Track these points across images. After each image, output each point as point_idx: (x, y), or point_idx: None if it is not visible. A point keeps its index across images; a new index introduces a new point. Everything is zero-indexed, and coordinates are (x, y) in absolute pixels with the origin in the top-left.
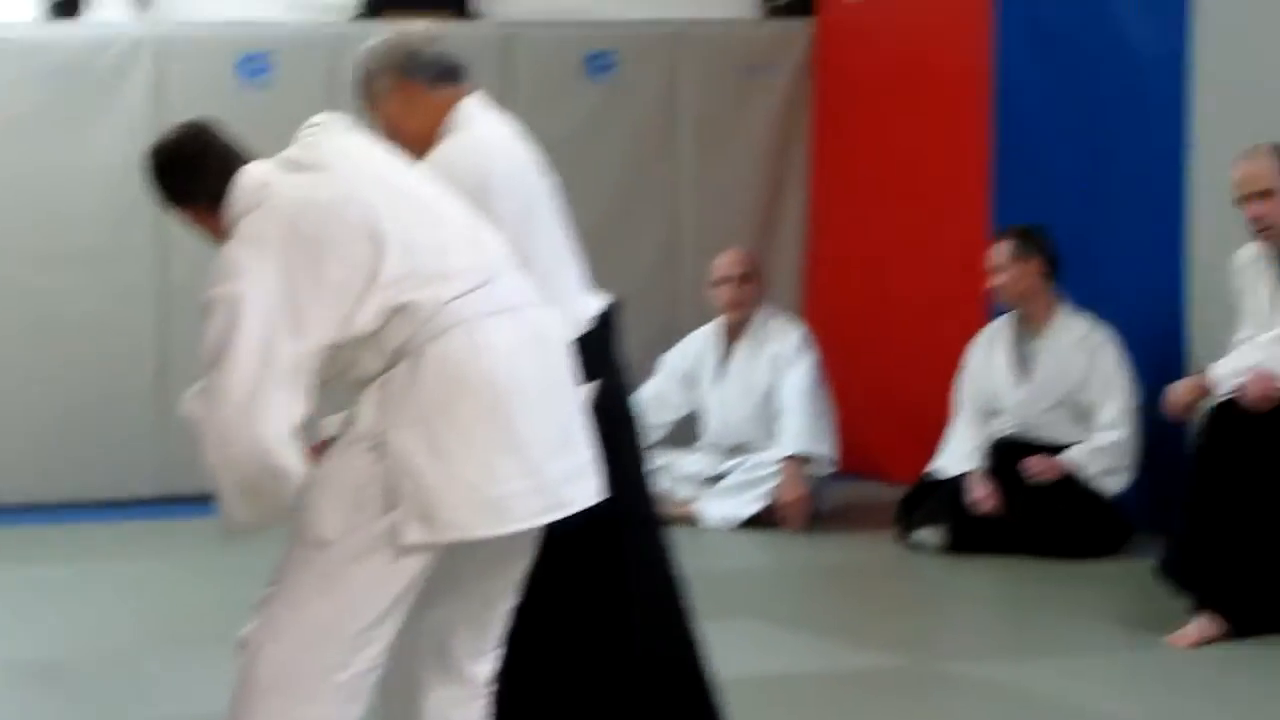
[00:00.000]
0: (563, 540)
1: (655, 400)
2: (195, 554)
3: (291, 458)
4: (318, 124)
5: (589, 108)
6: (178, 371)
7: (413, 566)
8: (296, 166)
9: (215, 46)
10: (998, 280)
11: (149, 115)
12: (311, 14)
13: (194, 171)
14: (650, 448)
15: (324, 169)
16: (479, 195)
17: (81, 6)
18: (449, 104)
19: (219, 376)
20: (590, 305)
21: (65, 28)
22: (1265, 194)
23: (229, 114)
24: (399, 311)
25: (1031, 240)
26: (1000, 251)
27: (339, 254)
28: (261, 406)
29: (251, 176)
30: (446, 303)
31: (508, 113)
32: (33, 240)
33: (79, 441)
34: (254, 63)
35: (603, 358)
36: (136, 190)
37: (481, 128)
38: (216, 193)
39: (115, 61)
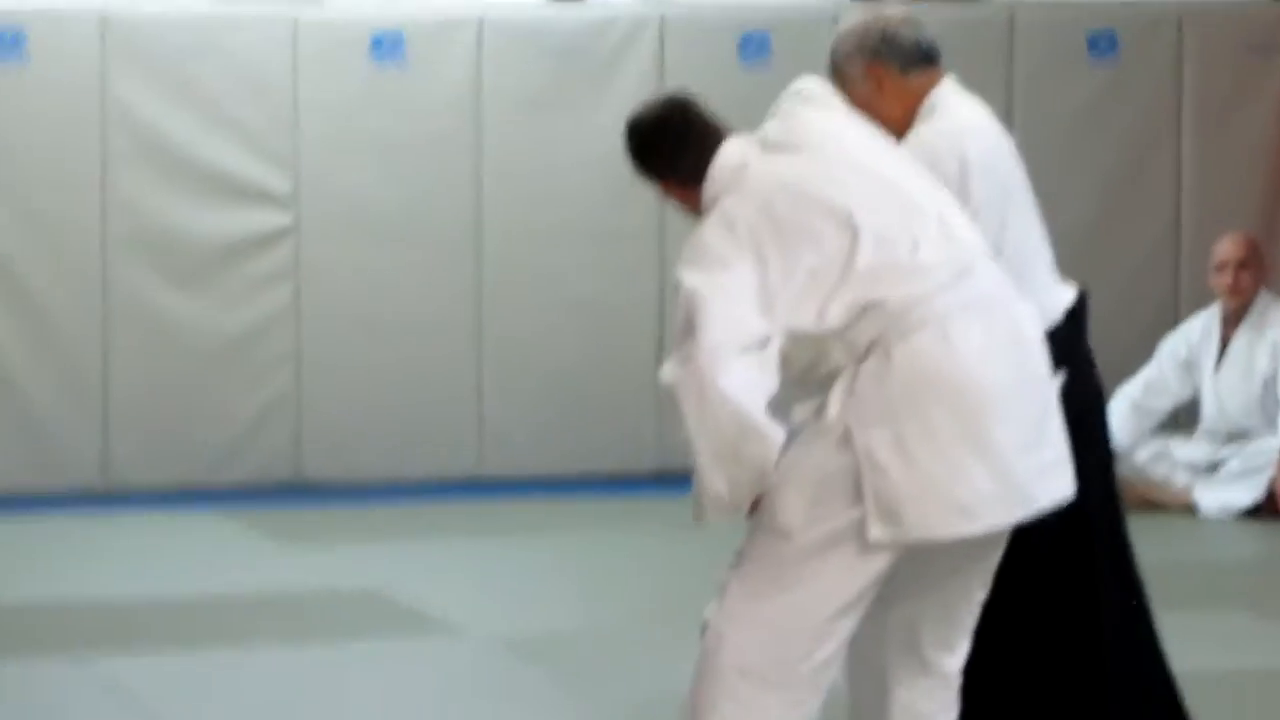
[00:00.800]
0: (1033, 534)
1: (1153, 386)
2: (689, 531)
3: (767, 421)
4: (801, 92)
5: (1091, 88)
6: None
7: (876, 564)
8: (776, 147)
9: (717, 27)
10: None
11: (646, 94)
12: None
13: (675, 146)
14: (1111, 442)
15: (803, 150)
16: (955, 181)
17: None
18: (924, 89)
19: (691, 343)
20: (1062, 297)
21: (568, 9)
22: None
23: (729, 95)
24: (870, 308)
25: None
26: None
27: (812, 241)
28: (732, 367)
29: (730, 156)
30: (919, 299)
31: (1008, 94)
32: (535, 219)
33: (580, 417)
34: (755, 43)
35: (1071, 352)
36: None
37: (958, 112)
38: (696, 169)
39: (617, 42)
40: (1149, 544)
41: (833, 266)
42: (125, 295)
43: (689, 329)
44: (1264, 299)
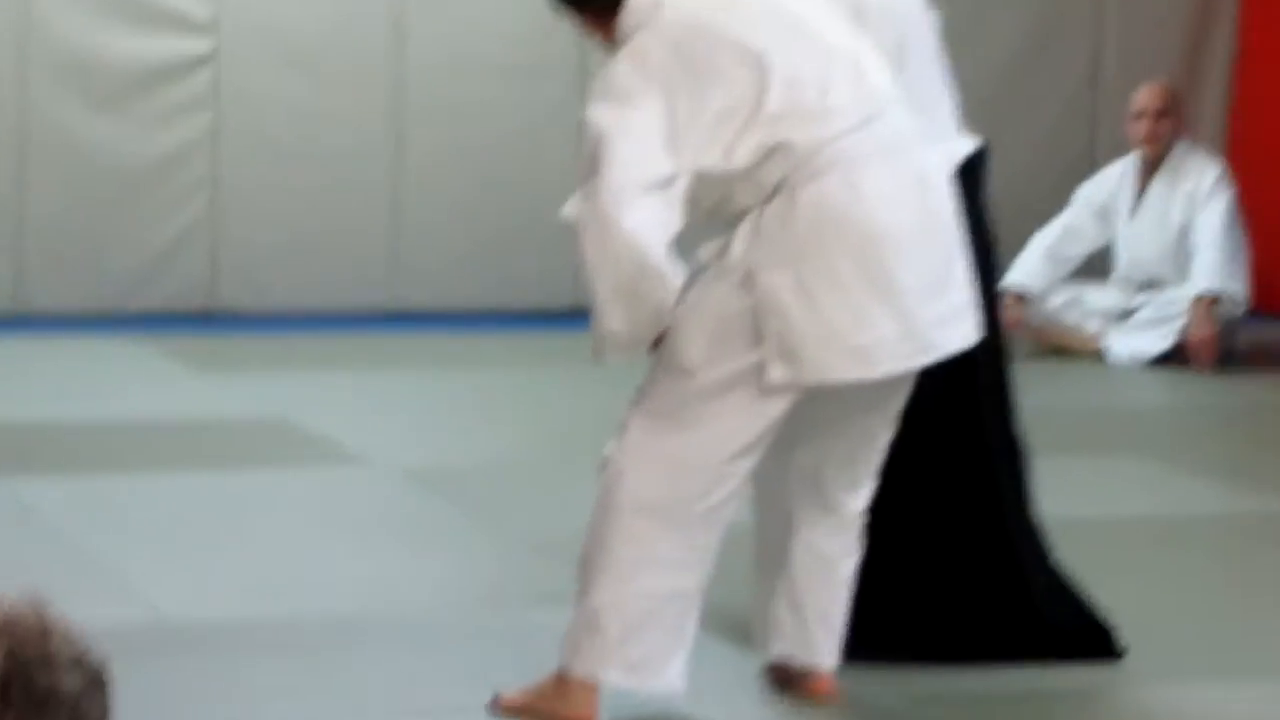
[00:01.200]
0: (928, 382)
1: (1068, 232)
2: (601, 368)
3: (667, 261)
4: None
5: None
6: None
7: (775, 405)
8: None
9: None
10: None
11: None
12: None
13: None
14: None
15: None
16: (853, 24)
17: None
18: None
19: (595, 179)
20: (962, 147)
21: None
22: None
23: None
24: (777, 149)
25: None
26: None
27: (722, 82)
28: (636, 205)
29: None
30: (825, 142)
31: None
32: (456, 49)
33: (497, 251)
34: None
35: (967, 204)
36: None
37: None
38: (610, 4)
39: None
40: (1059, 389)
41: (741, 107)
42: (42, 119)
43: (594, 166)
44: (1181, 149)
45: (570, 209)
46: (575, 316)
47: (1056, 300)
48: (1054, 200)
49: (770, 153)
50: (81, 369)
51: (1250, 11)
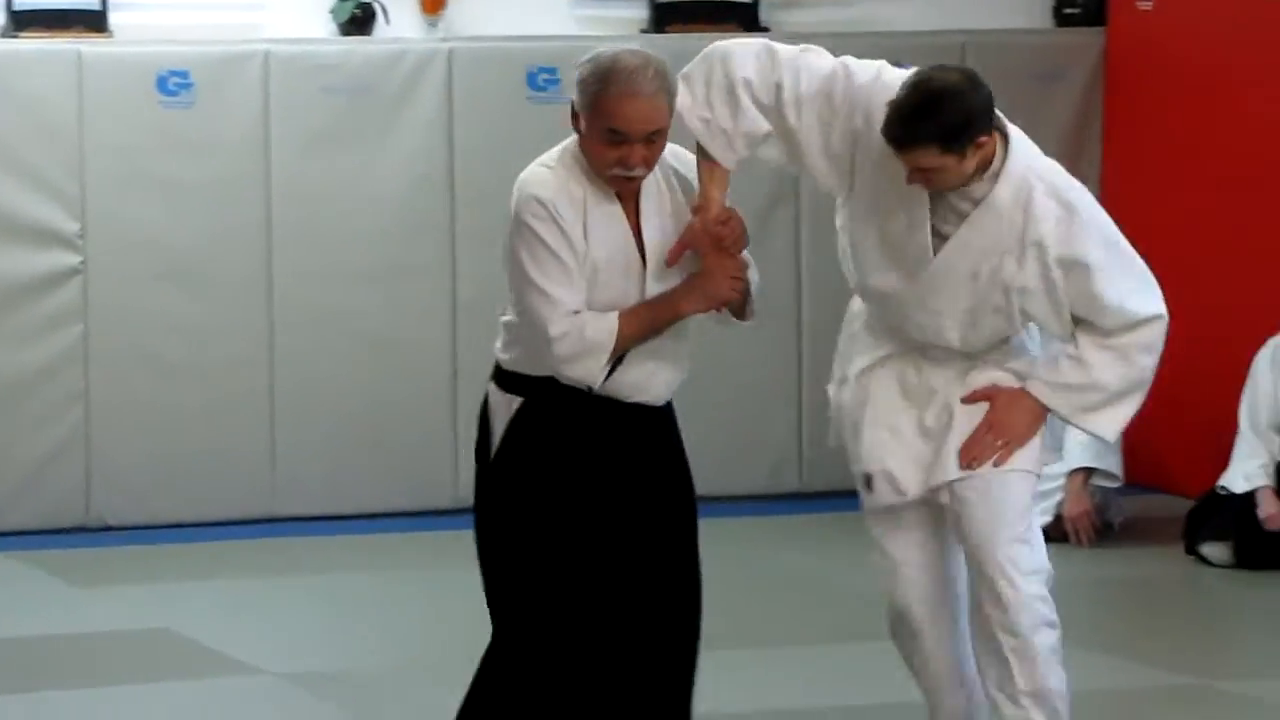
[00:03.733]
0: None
1: None
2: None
3: None
4: None
5: None
6: (473, 383)
7: None
8: None
9: (505, 60)
10: None
11: (441, 130)
12: (600, 29)
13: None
14: None
15: None
16: None
17: (373, 23)
18: None
19: None
20: None
21: (355, 43)
22: None
23: (519, 127)
24: None
25: None
26: None
27: None
28: None
29: None
30: None
31: None
32: (326, 258)
33: (375, 455)
34: (543, 77)
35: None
36: (428, 206)
37: None
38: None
39: (406, 77)
40: None
41: None
42: None
43: None
44: None
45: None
46: (455, 514)
47: None
48: None
49: None
50: None
51: (1113, 190)
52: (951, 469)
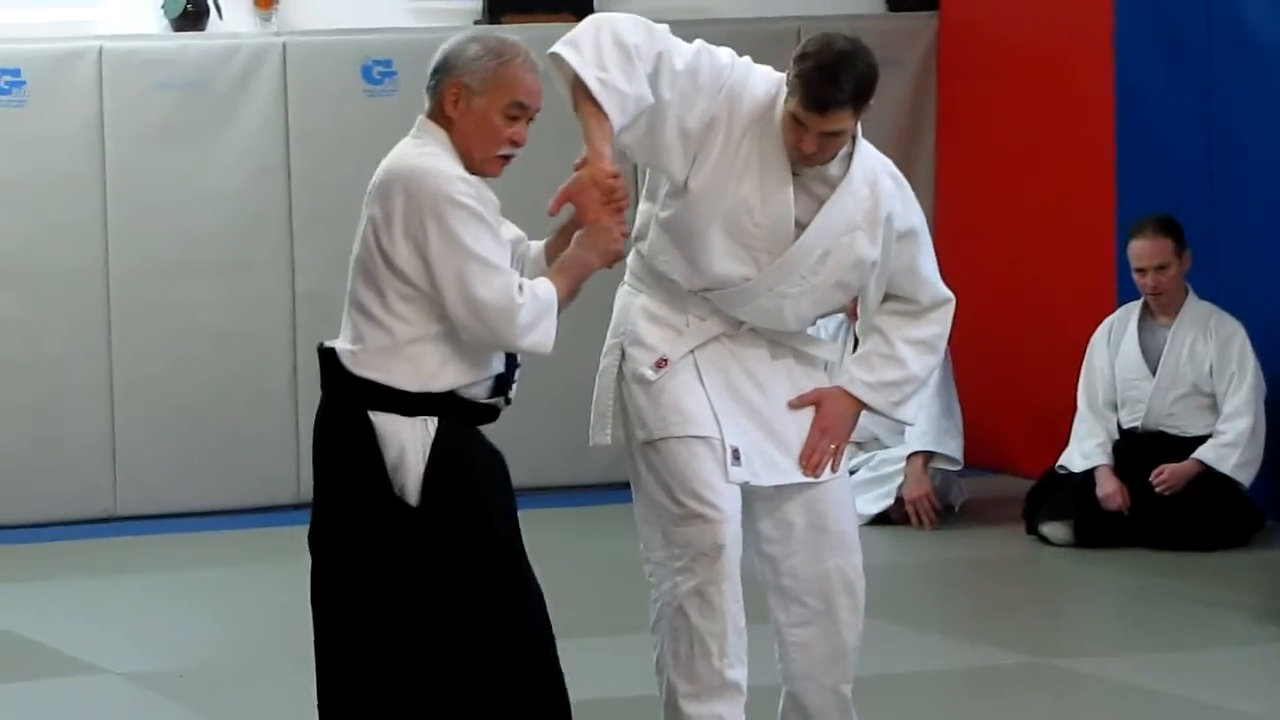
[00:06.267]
0: None
1: None
2: None
3: None
4: None
5: None
6: (314, 376)
7: None
8: None
9: (340, 53)
10: (1153, 279)
11: (277, 124)
12: (434, 20)
13: None
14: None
15: None
16: None
17: (206, 18)
18: None
19: None
20: None
21: (189, 38)
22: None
23: (354, 121)
24: None
25: (1179, 233)
26: (1154, 249)
27: None
28: None
29: None
30: None
31: None
32: (164, 253)
33: (217, 451)
34: (379, 69)
35: None
36: (265, 199)
37: None
38: None
39: (240, 71)
40: None
41: None
42: None
43: None
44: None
45: None
46: (298, 510)
47: None
48: None
49: None
50: None
51: (946, 175)
52: (797, 472)
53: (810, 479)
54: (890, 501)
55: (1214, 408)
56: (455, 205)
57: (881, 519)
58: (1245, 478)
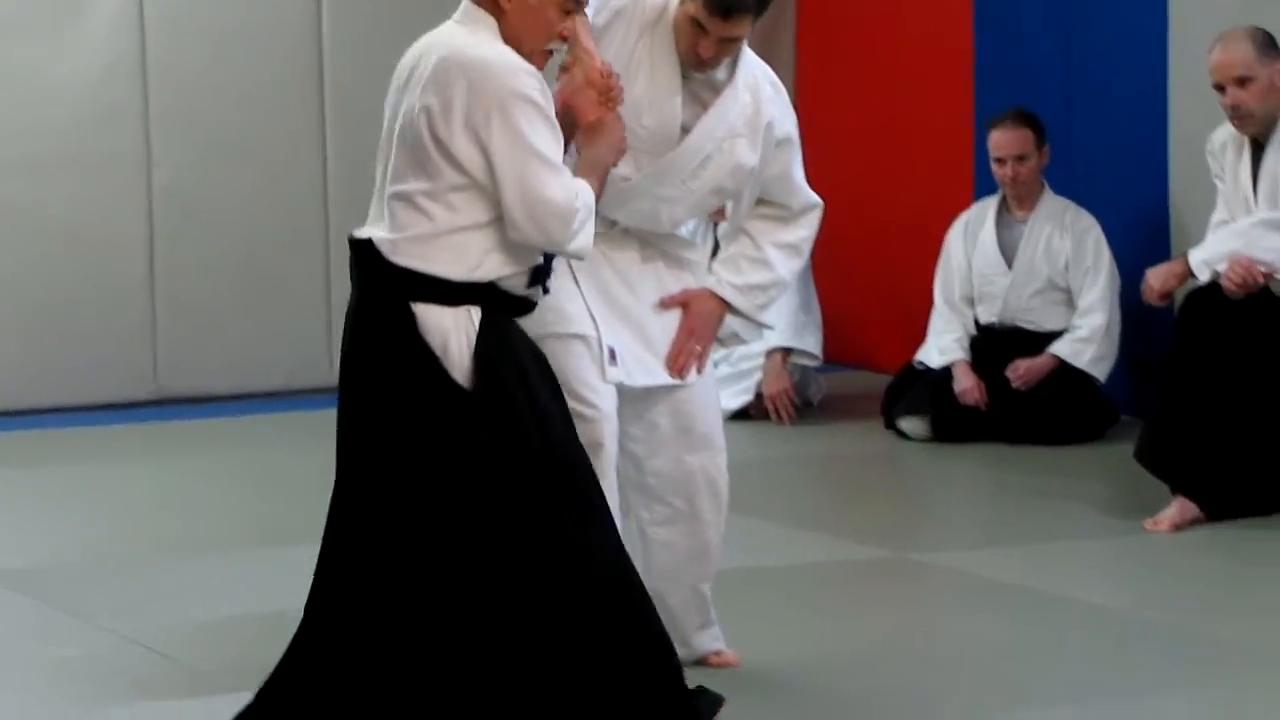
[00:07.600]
0: None
1: None
2: (184, 459)
3: None
4: None
5: None
6: (171, 274)
7: None
8: None
9: None
10: (1012, 169)
11: (131, 14)
12: None
13: None
14: None
15: None
16: None
17: None
18: None
19: None
20: None
21: None
22: (1241, 81)
23: (218, 9)
24: None
25: (1039, 126)
26: (1014, 140)
27: None
28: None
29: None
30: None
31: None
32: (11, 149)
33: (71, 347)
34: None
35: None
36: (119, 93)
37: None
38: None
39: None
40: None
41: None
42: None
43: None
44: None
45: None
46: (155, 405)
47: None
48: None
49: None
50: None
51: (803, 77)
52: (665, 373)
53: (677, 380)
54: (750, 397)
55: (1070, 303)
56: (523, 100)
57: (741, 414)
58: (1100, 373)
